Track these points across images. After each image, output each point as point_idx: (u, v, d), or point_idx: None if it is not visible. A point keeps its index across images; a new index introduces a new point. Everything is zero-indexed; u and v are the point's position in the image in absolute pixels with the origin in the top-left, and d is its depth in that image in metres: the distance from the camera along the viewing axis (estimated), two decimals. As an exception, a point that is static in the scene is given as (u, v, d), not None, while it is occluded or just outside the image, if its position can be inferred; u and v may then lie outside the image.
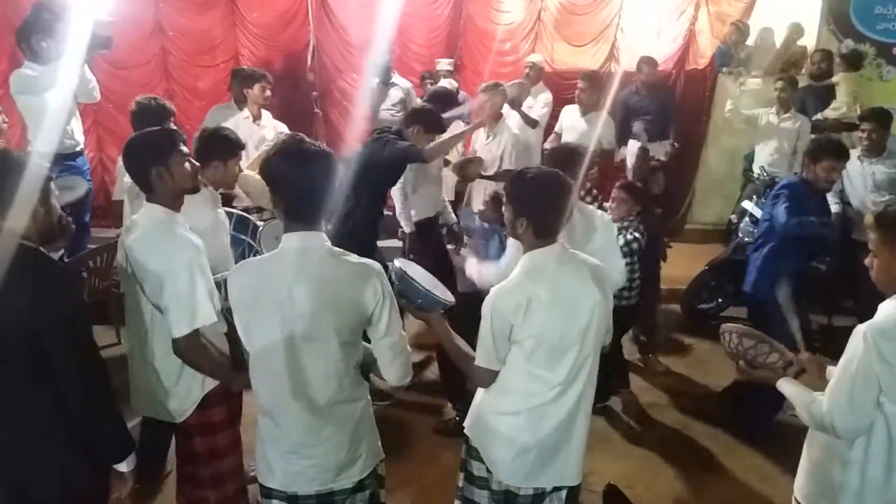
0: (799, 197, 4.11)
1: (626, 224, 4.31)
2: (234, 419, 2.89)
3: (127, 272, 2.67)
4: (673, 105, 7.12)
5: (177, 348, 2.54)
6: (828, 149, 4.09)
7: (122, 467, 2.32)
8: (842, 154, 4.11)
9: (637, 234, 4.27)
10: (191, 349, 2.53)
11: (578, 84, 5.99)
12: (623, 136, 6.82)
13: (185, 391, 2.70)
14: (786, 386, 2.43)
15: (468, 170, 5.24)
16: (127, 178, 3.82)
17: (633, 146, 6.72)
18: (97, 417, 2.23)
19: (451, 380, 4.15)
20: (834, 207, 5.39)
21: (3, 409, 2.17)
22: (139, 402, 2.85)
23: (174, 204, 2.67)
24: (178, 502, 2.98)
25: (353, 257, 2.28)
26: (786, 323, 2.87)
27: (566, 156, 3.49)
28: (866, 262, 2.41)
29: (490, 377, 2.45)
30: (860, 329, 2.19)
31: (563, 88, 7.27)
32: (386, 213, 7.44)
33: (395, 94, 6.79)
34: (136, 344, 2.75)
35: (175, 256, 2.51)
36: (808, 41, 7.45)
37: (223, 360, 2.70)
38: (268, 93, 5.52)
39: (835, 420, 2.20)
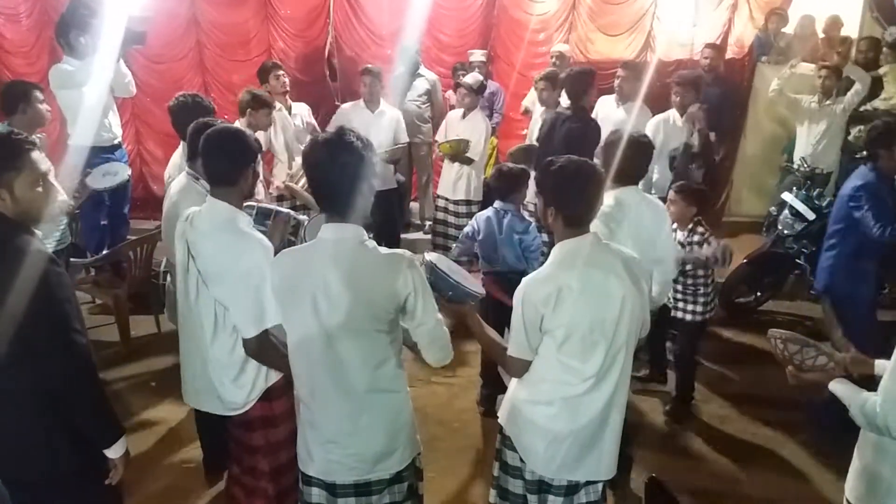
0: (879, 196, 3.84)
1: (689, 235, 4.13)
2: (293, 410, 2.86)
3: (186, 268, 2.67)
4: (731, 98, 7.03)
5: (247, 348, 2.56)
6: None
7: (111, 453, 2.34)
8: None
9: (688, 237, 4.09)
10: (261, 348, 2.54)
11: (619, 73, 5.93)
12: None
13: (249, 382, 2.70)
14: (838, 387, 2.33)
15: (525, 158, 5.24)
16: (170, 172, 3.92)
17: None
18: (80, 402, 2.24)
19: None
20: None
21: None
22: (195, 397, 2.86)
23: (241, 202, 2.69)
24: (234, 494, 2.98)
25: (386, 249, 2.29)
26: (862, 321, 2.75)
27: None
28: None
29: (523, 367, 2.46)
30: None
31: (599, 78, 7.15)
32: (413, 205, 7.55)
33: (420, 86, 6.78)
34: (195, 339, 2.73)
35: (246, 257, 2.51)
36: (851, 29, 7.26)
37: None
38: (283, 80, 5.60)
39: (889, 420, 2.09)
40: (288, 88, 5.69)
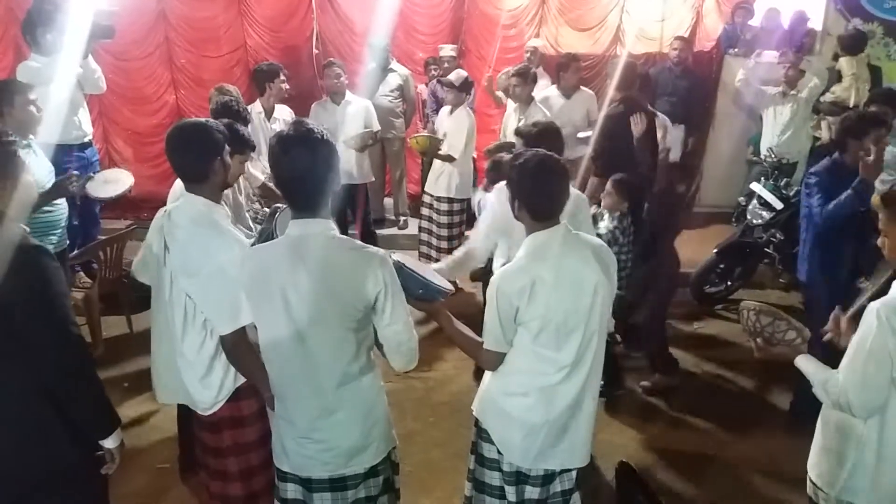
0: (830, 184, 3.83)
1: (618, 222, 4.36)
2: (264, 412, 2.81)
3: (161, 262, 2.65)
4: (700, 91, 7.17)
5: (224, 344, 2.52)
6: (870, 120, 3.86)
7: (108, 443, 2.36)
8: (881, 121, 3.86)
9: (616, 224, 4.30)
10: (237, 346, 2.49)
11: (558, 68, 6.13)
12: None
13: (217, 383, 2.68)
14: (803, 363, 2.42)
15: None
16: None
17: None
18: (78, 394, 2.25)
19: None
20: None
21: None
22: (167, 392, 2.85)
23: (217, 196, 2.67)
24: (203, 496, 2.97)
25: (357, 245, 2.29)
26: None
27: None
28: (878, 242, 2.41)
29: (498, 360, 2.48)
30: (873, 307, 2.20)
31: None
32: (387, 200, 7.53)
33: (392, 81, 6.75)
34: (166, 334, 2.72)
35: (221, 253, 2.48)
36: (815, 21, 7.39)
37: (262, 362, 2.56)
38: (285, 86, 5.52)
39: (850, 398, 2.20)
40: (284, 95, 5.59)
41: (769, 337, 2.56)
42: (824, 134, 6.40)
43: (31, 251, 2.17)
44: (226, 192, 3.40)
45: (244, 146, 3.32)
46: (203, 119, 2.72)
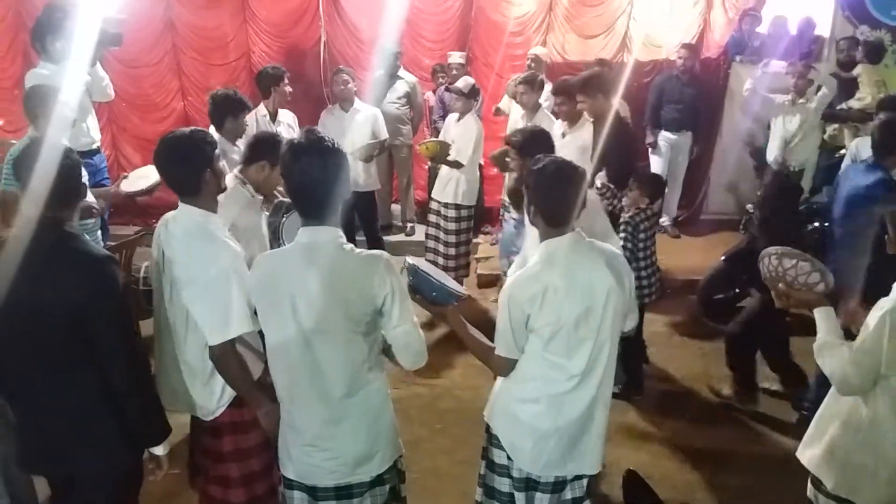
0: (894, 189, 3.69)
1: (627, 220, 4.40)
2: None
3: (160, 270, 2.66)
4: (706, 98, 7.18)
5: (211, 355, 2.53)
6: None
7: (159, 450, 2.42)
8: None
9: (626, 235, 4.30)
10: (223, 358, 2.50)
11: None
12: (654, 119, 7.02)
13: (219, 387, 2.68)
14: (822, 317, 2.46)
15: (504, 161, 5.25)
16: None
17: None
18: (138, 400, 2.33)
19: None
20: None
21: (51, 389, 2.26)
22: (169, 398, 2.81)
23: (213, 205, 2.66)
24: (204, 502, 2.96)
25: (363, 250, 2.30)
26: None
27: None
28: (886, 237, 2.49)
29: (509, 366, 2.48)
30: (882, 304, 2.27)
31: (576, 80, 7.24)
32: (394, 207, 7.54)
33: (400, 88, 6.78)
34: (168, 341, 2.72)
35: (213, 263, 2.48)
36: (823, 28, 7.38)
37: (251, 376, 2.63)
38: (288, 89, 5.55)
39: (847, 377, 2.31)
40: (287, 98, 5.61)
41: (791, 281, 2.53)
42: (848, 141, 6.36)
43: (100, 260, 2.26)
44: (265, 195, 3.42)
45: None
46: (188, 130, 2.66)
